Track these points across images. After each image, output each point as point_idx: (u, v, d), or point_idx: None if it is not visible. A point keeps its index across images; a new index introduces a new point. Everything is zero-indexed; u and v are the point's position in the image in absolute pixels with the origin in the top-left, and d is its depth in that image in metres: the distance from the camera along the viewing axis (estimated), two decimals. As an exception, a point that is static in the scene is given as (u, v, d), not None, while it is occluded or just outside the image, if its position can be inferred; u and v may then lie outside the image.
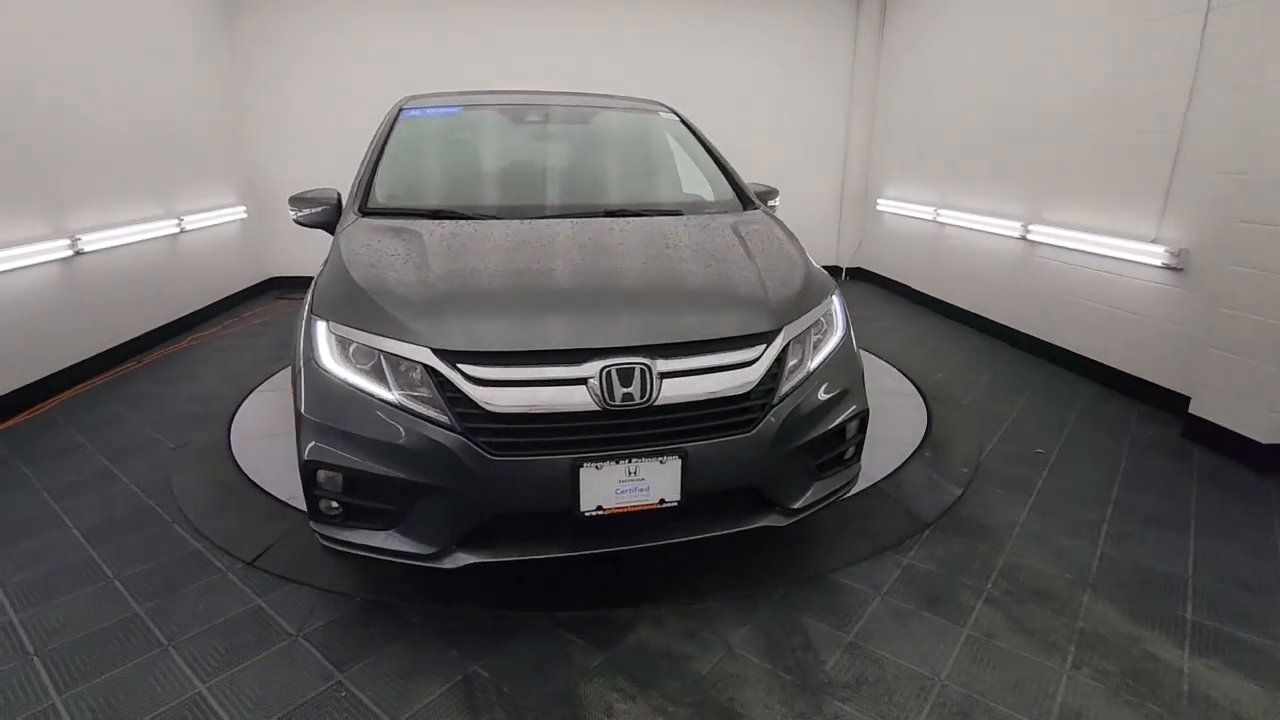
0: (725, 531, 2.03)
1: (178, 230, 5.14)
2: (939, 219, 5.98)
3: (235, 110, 6.22)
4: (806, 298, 2.19)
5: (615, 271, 2.14)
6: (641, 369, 1.84)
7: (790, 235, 2.61)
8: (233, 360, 4.64)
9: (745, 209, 2.87)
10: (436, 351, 1.81)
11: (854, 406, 2.21)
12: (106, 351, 4.40)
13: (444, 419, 1.79)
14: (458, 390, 1.79)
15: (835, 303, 2.32)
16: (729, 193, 2.97)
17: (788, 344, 2.04)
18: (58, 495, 2.89)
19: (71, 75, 4.16)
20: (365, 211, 2.54)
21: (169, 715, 1.80)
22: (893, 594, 2.28)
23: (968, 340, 5.22)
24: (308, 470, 1.88)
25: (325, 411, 1.87)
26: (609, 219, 2.52)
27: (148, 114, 4.91)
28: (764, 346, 2.00)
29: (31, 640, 2.06)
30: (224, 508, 2.77)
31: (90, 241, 4.20)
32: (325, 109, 6.42)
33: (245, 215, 6.23)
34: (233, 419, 3.59)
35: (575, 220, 2.48)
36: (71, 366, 4.10)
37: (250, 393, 3.95)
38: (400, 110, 3.09)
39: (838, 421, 2.15)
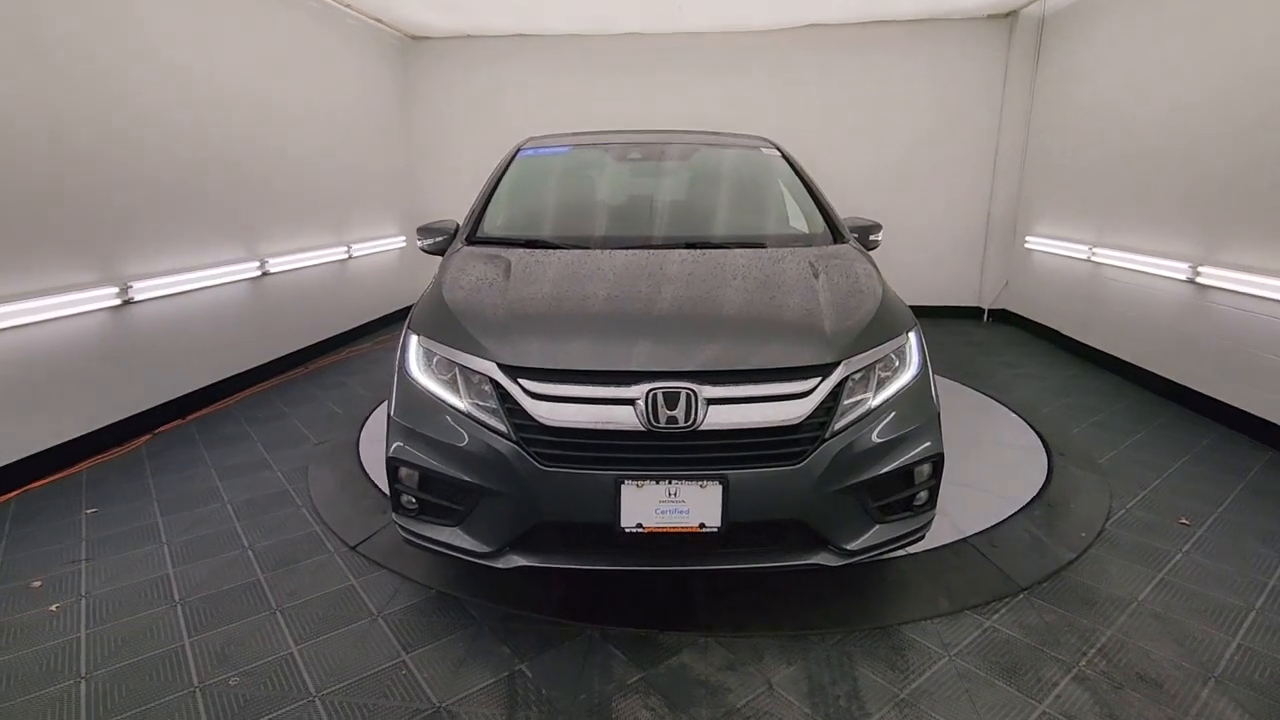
0: (771, 565, 2.00)
1: (346, 256, 5.91)
2: (1094, 258, 5.43)
3: (403, 154, 7.07)
4: (875, 333, 2.13)
5: (679, 300, 2.21)
6: (687, 394, 1.89)
7: (871, 270, 2.54)
8: (379, 371, 5.22)
9: (835, 242, 2.84)
10: (502, 366, 1.98)
11: (924, 449, 2.10)
12: (281, 358, 5.13)
13: (503, 428, 1.94)
14: (516, 403, 1.94)
15: (911, 340, 2.22)
16: (821, 226, 2.95)
17: (846, 378, 2.00)
18: (222, 474, 3.42)
19: (282, 126, 4.98)
20: (472, 240, 2.82)
21: (266, 667, 2.07)
22: (964, 656, 2.11)
23: (1125, 395, 4.66)
24: (391, 467, 2.11)
25: (410, 415, 2.10)
26: (689, 251, 2.61)
27: (334, 159, 5.74)
28: (819, 379, 1.97)
29: (179, 590, 2.47)
30: (342, 497, 3.13)
31: (275, 265, 4.95)
32: (473, 151, 7.10)
33: (404, 244, 7.01)
34: (365, 421, 4.05)
35: (654, 251, 2.59)
36: (251, 370, 4.82)
37: (385, 400, 4.42)
38: (518, 150, 3.40)
39: (902, 463, 2.05)
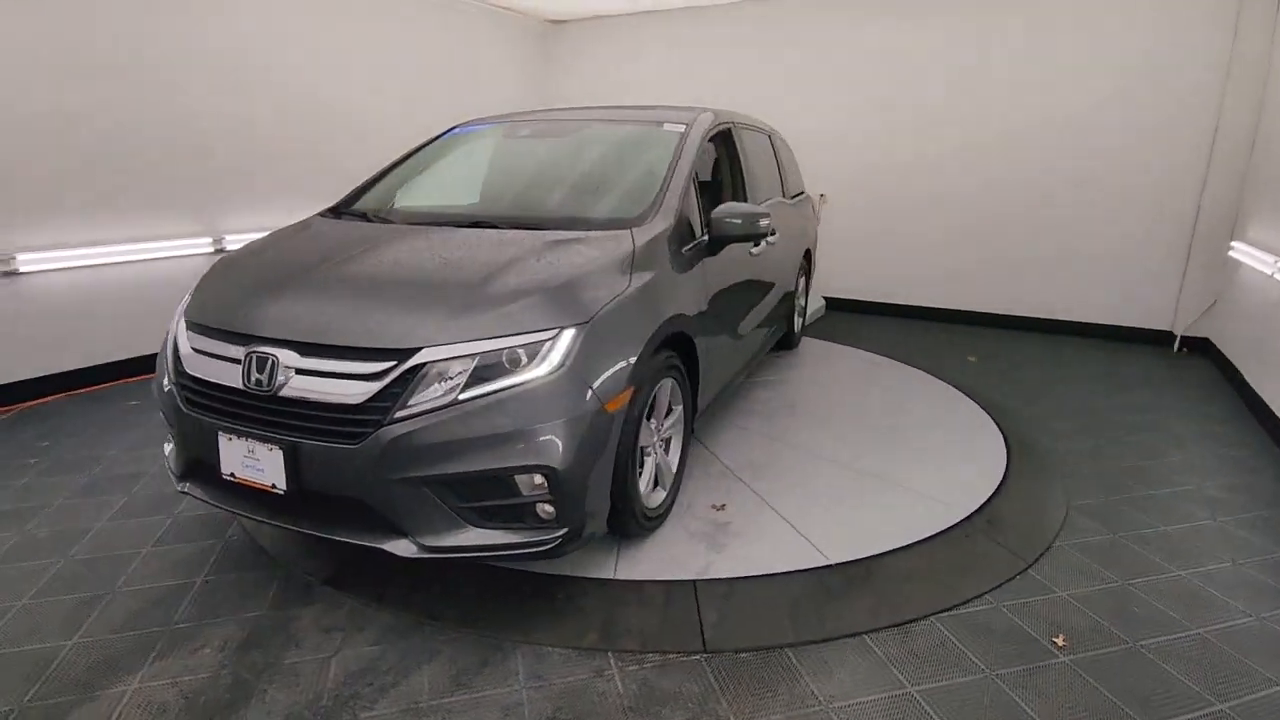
0: (346, 539, 2.01)
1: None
2: (1280, 276, 3.83)
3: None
4: (497, 324, 1.97)
5: (352, 273, 2.24)
6: (272, 360, 1.99)
7: (598, 258, 2.26)
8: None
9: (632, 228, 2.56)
10: (185, 318, 2.29)
11: (526, 457, 1.90)
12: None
13: (172, 372, 2.26)
14: (179, 350, 2.24)
15: (562, 338, 1.98)
16: (638, 211, 2.66)
17: (424, 365, 1.91)
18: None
19: (432, 108, 5.90)
20: (336, 211, 3.11)
21: (66, 531, 2.65)
22: (537, 691, 1.89)
23: (1257, 471, 3.32)
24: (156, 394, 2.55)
25: (161, 354, 2.49)
26: (467, 230, 2.57)
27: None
28: (393, 363, 1.91)
29: (89, 477, 3.25)
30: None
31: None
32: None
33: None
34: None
35: (427, 228, 2.61)
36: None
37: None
38: (450, 129, 3.60)
39: (493, 467, 1.90)
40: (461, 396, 1.91)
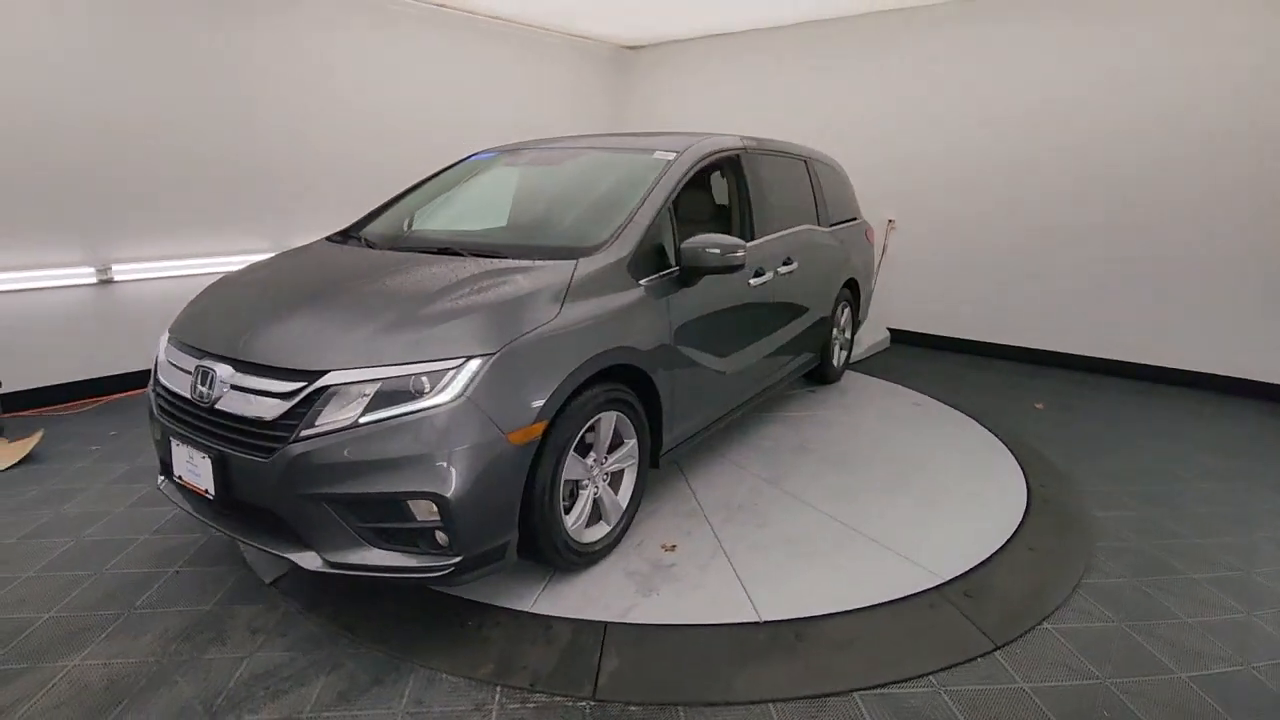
0: (263, 548, 2.12)
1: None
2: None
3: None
4: (403, 350, 2.02)
5: (303, 296, 2.35)
6: (213, 373, 2.15)
7: (523, 291, 2.26)
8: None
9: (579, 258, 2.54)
10: (169, 333, 2.52)
11: (417, 483, 1.94)
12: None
13: (152, 379, 2.49)
14: (158, 360, 2.47)
15: (467, 367, 2.01)
16: (599, 239, 2.64)
17: (333, 386, 1.99)
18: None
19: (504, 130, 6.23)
20: (344, 234, 3.30)
21: (95, 511, 3.01)
22: (421, 716, 1.91)
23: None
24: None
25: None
26: (424, 256, 2.63)
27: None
28: (304, 384, 2.01)
29: (115, 472, 3.63)
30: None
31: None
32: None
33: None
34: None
35: (403, 253, 2.70)
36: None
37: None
38: (470, 155, 3.76)
39: (388, 489, 1.95)
40: (362, 420, 1.98)
